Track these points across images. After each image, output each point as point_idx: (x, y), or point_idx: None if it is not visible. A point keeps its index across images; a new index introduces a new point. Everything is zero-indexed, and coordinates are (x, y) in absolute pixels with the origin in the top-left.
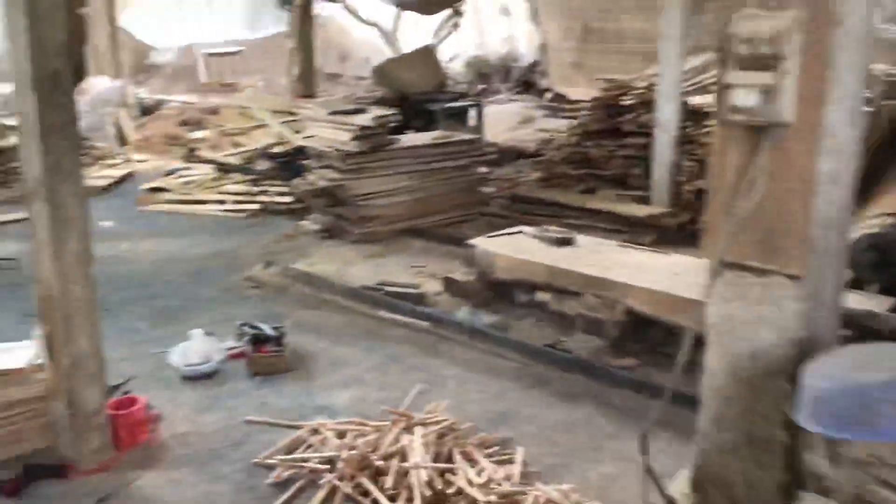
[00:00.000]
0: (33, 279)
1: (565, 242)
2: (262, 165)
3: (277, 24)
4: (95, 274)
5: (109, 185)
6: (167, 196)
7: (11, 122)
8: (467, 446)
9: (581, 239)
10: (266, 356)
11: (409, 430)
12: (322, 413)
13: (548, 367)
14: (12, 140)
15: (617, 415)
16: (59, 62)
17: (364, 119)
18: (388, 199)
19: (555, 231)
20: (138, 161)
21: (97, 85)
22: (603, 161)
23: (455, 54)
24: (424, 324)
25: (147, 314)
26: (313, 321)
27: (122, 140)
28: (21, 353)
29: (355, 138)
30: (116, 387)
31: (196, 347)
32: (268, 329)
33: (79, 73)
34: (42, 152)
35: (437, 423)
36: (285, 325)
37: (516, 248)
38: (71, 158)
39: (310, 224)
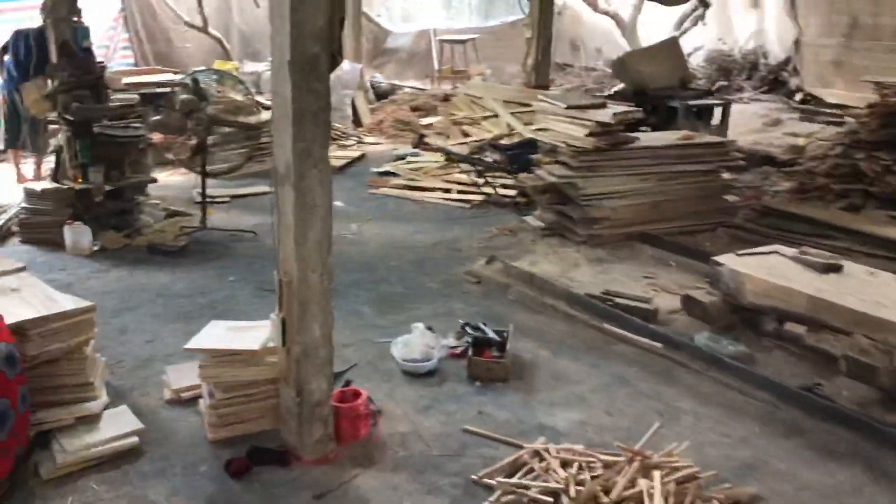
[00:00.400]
0: (272, 255)
1: (832, 269)
2: (490, 156)
3: (509, 13)
4: (332, 263)
5: (344, 165)
6: (395, 181)
7: (263, 99)
8: (712, 501)
9: (849, 266)
10: (487, 361)
11: (645, 471)
12: (543, 433)
13: (803, 414)
14: (264, 116)
15: (893, 486)
16: (316, 47)
17: (604, 115)
18: (620, 201)
19: (817, 255)
20: (370, 144)
21: (340, 66)
22: (875, 176)
23: (696, 48)
24: (656, 345)
25: (371, 299)
26: (534, 326)
27: (357, 122)
28: (256, 334)
29: (591, 134)
30: (340, 374)
31: (418, 342)
32: (490, 332)
33: (335, 60)
34: (294, 137)
35: (678, 468)
36: (508, 329)
37: (771, 270)
38: (320, 145)
39: (533, 220)
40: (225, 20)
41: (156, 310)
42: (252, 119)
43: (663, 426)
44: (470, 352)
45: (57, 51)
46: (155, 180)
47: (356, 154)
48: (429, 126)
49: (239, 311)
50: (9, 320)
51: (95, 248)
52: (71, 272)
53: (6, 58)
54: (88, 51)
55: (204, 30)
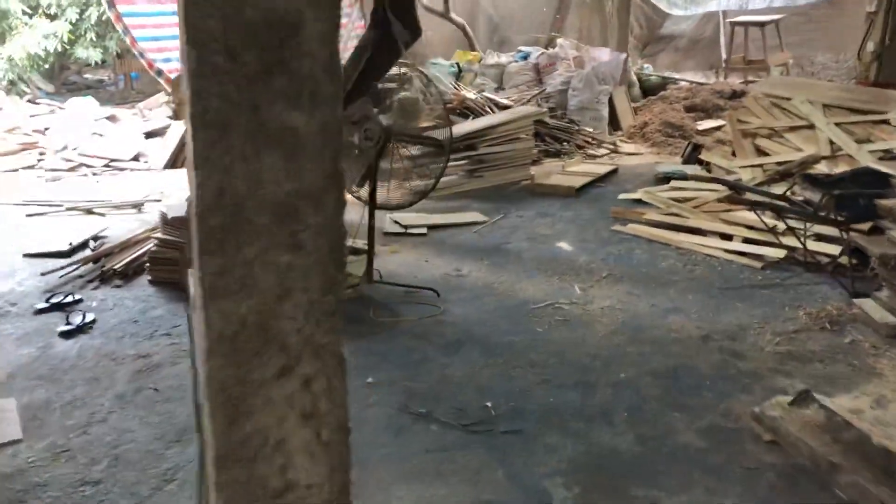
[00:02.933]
0: (447, 338)
1: None
2: (800, 192)
3: None
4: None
5: (584, 185)
6: (651, 214)
7: (501, 98)
8: None
9: None
10: None
11: None
12: None
13: None
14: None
15: None
16: None
17: None
18: None
19: None
20: (627, 154)
21: (598, 57)
22: None
23: None
24: None
25: (568, 463)
26: None
27: (615, 125)
28: None
29: None
30: None
31: None
32: None
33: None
34: (201, 235)
35: None
36: None
37: None
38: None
39: (875, 306)
40: (471, 5)
41: None
42: (438, 134)
43: None
44: None
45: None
46: None
47: (605, 169)
48: (707, 133)
49: (359, 449)
50: None
51: None
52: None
53: None
54: None
55: (445, 15)
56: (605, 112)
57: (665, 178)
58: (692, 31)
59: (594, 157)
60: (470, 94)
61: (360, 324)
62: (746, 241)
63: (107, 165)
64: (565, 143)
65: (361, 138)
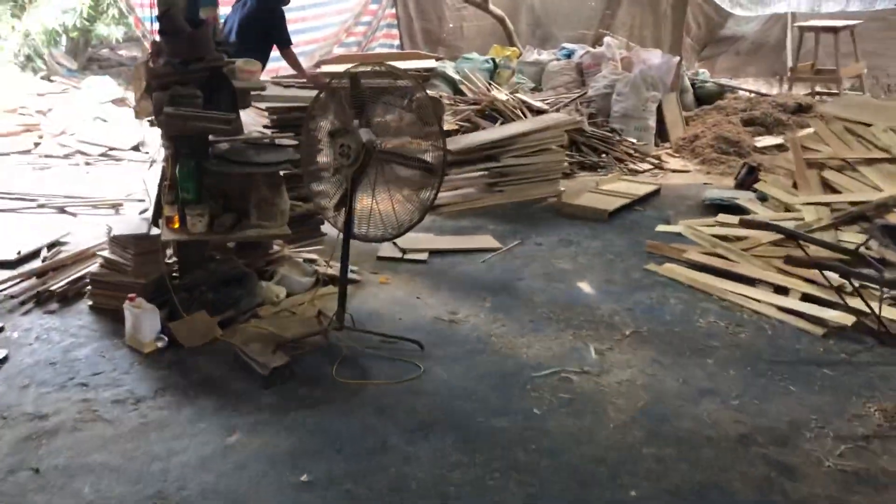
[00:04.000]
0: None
1: None
2: (876, 245)
3: None
4: None
5: (619, 207)
6: (691, 252)
7: (537, 101)
8: None
9: None
10: None
11: None
12: None
13: None
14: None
15: None
16: None
17: None
18: None
19: None
20: (673, 171)
21: (648, 59)
22: None
23: None
24: None
25: None
26: None
27: (662, 136)
28: None
29: None
30: None
31: None
32: None
33: None
34: None
35: None
36: None
37: None
38: None
39: None
40: None
41: None
42: (430, 157)
43: None
44: None
45: (159, 20)
46: (288, 234)
47: (646, 189)
48: (765, 151)
49: None
50: None
51: (160, 345)
52: (74, 390)
53: None
54: (200, 24)
55: (484, 6)
56: (653, 122)
57: (717, 204)
58: (756, 34)
59: (635, 172)
60: (500, 95)
61: (315, 385)
62: (806, 297)
63: (104, 154)
64: (604, 155)
65: (336, 154)
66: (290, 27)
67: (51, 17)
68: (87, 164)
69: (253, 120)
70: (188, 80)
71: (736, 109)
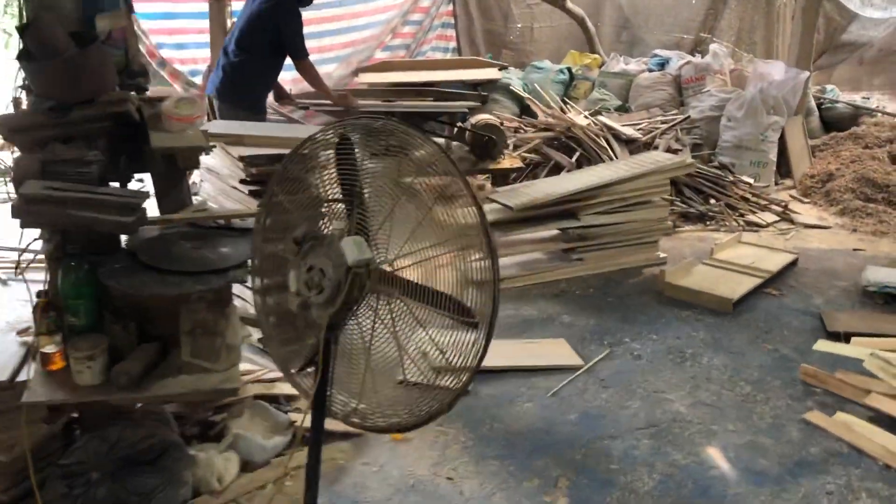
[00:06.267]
0: None
1: None
2: None
3: None
4: None
5: (750, 290)
6: (876, 394)
7: (624, 126)
8: None
9: None
10: None
11: None
12: None
13: None
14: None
15: None
16: None
17: None
18: None
19: None
20: (806, 225)
21: (767, 73)
22: None
23: None
24: None
25: None
26: None
27: (782, 171)
28: None
29: None
30: None
31: None
32: None
33: None
34: None
35: None
36: None
37: None
38: None
39: None
40: None
41: None
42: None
43: None
44: None
45: (21, 35)
46: (237, 387)
47: (781, 260)
48: None
49: None
50: None
51: None
52: None
53: None
54: (93, 42)
55: (560, 4)
56: (773, 154)
57: (883, 295)
58: (885, 40)
59: (755, 226)
60: (579, 119)
61: None
62: None
63: None
64: (713, 201)
65: (301, 285)
66: (321, 27)
67: None
68: None
69: (230, 171)
70: (73, 133)
71: (879, 139)
